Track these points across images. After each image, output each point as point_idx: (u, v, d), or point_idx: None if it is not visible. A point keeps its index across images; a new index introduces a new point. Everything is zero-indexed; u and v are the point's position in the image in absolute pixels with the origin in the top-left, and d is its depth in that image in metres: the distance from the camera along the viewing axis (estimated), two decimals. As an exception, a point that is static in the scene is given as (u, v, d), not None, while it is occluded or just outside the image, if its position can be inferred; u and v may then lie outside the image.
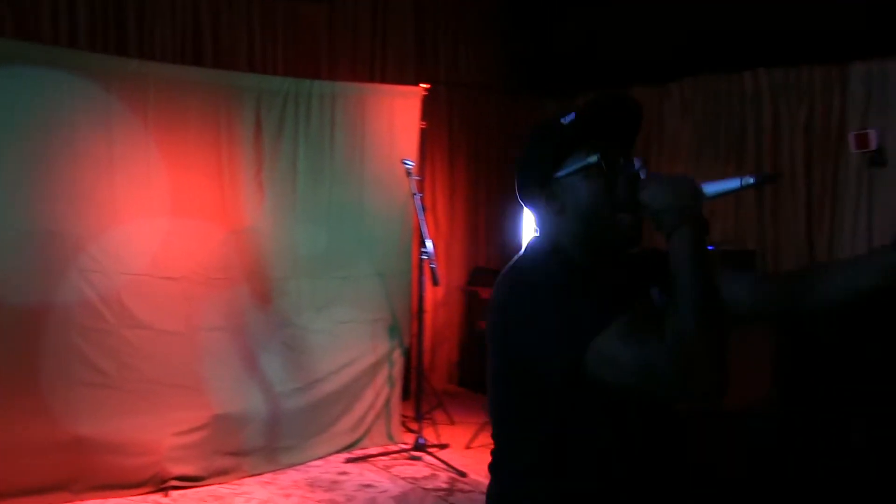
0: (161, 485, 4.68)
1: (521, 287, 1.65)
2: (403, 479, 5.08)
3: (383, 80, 6.86)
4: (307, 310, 5.45)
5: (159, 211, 4.85)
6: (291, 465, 5.20)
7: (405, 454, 5.48)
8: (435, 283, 5.29)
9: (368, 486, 4.95)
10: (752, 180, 1.58)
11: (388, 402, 5.78)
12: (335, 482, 4.99)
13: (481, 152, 7.71)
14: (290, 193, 5.41)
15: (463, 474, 5.08)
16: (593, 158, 1.63)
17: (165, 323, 4.91)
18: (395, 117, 5.79)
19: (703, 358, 1.39)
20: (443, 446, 5.61)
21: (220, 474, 4.91)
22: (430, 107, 6.53)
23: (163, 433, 4.77)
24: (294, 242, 5.41)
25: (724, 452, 3.56)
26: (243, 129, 5.23)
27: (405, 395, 6.11)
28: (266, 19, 6.52)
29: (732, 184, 1.60)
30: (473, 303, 7.44)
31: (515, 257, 1.77)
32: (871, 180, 4.92)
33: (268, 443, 5.16)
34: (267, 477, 5.04)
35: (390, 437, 5.75)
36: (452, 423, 6.23)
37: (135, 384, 4.78)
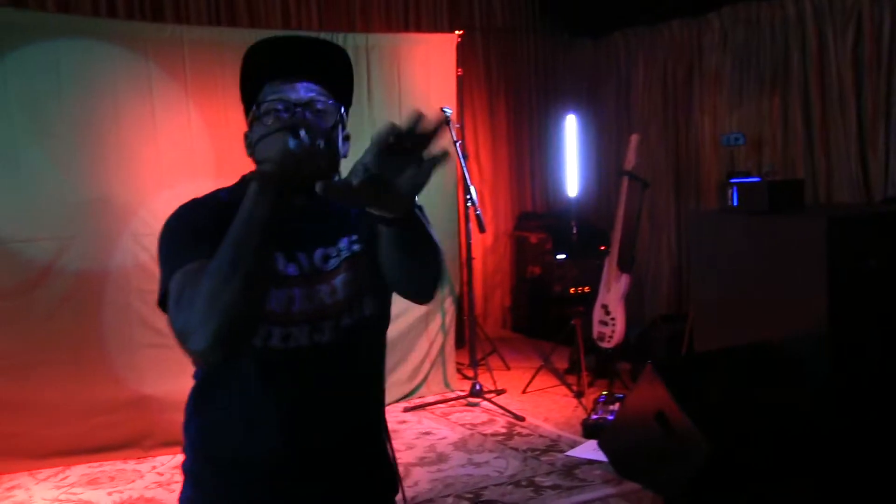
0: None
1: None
2: (462, 425, 5.14)
3: (418, 29, 6.82)
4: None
5: (203, 172, 4.84)
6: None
7: (462, 401, 5.54)
8: (481, 229, 5.27)
9: (428, 433, 5.03)
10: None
11: (442, 350, 5.83)
12: (395, 431, 5.05)
13: (521, 96, 7.64)
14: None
15: (521, 418, 5.08)
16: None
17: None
18: (431, 65, 5.75)
19: (206, 316, 1.35)
20: (499, 392, 5.66)
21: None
22: (466, 53, 6.47)
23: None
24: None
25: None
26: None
27: (459, 342, 6.15)
28: (298, -24, 6.50)
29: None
30: (522, 248, 7.44)
31: None
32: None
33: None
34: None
35: (447, 385, 5.82)
36: (508, 368, 6.28)
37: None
